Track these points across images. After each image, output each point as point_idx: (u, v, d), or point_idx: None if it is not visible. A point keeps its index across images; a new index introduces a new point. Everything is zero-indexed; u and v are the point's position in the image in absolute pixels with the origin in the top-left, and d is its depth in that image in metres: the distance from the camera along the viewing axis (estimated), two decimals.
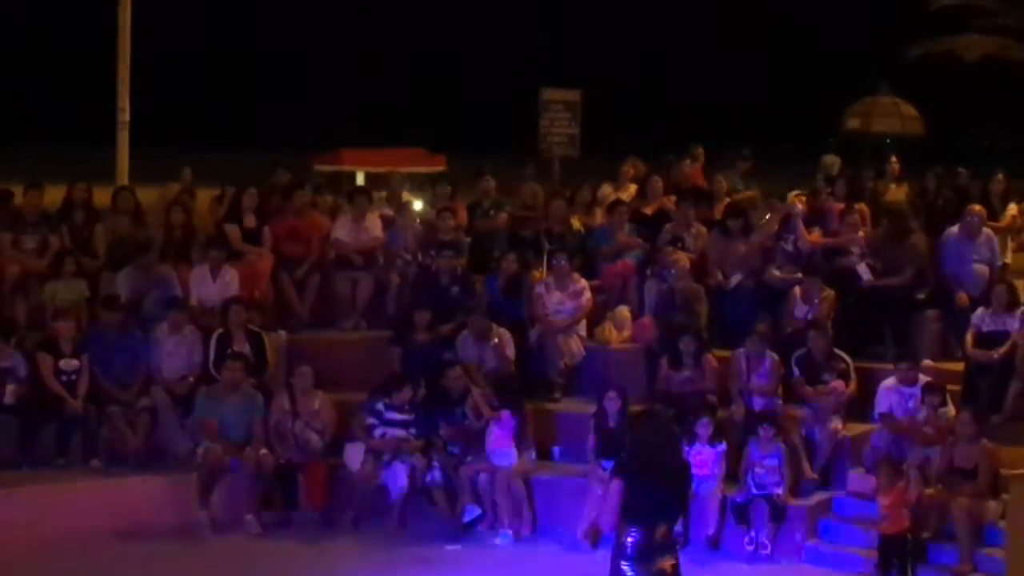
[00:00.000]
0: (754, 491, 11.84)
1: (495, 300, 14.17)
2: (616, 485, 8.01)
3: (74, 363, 12.78)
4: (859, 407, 12.78)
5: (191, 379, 13.15)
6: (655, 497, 8.03)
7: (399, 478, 12.42)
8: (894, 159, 18.46)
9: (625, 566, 8.09)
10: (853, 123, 24.16)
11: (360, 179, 22.33)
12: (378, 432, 12.56)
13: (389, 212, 15.95)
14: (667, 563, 8.14)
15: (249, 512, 12.25)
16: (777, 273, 14.31)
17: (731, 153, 17.57)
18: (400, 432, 12.56)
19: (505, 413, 12.50)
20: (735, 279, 14.36)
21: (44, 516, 11.75)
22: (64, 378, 12.71)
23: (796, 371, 12.86)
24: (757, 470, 11.89)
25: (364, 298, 14.91)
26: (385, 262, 15.13)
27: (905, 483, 11.21)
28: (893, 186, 16.93)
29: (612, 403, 12.42)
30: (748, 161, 17.41)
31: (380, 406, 12.63)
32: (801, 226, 14.72)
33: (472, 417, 12.70)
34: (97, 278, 14.18)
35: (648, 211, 15.78)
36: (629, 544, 8.02)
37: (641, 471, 8.00)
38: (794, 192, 16.04)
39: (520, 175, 17.17)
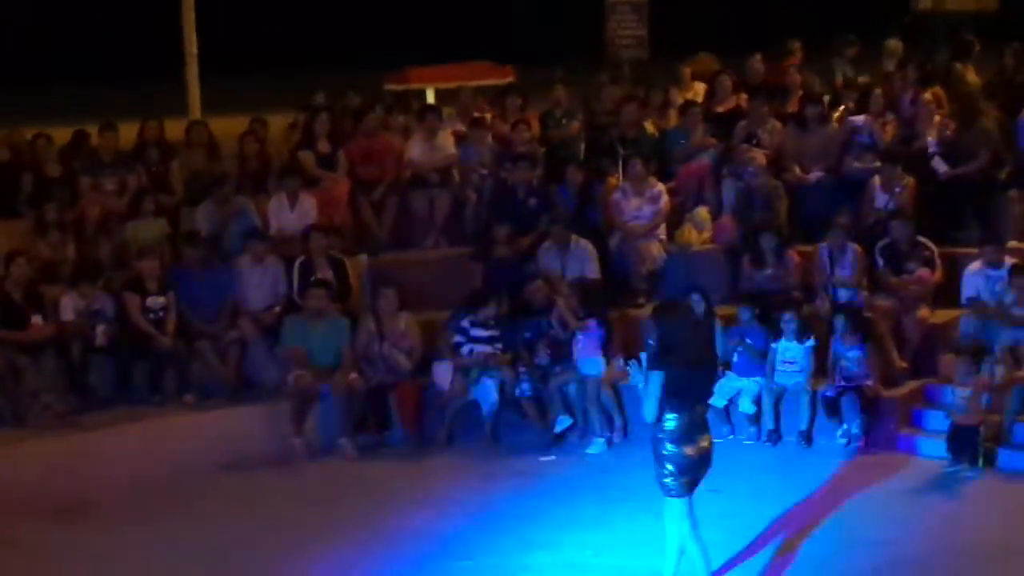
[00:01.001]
0: (843, 384, 11.78)
1: (570, 209, 14.15)
2: (655, 376, 8.18)
3: (160, 301, 12.91)
4: (946, 293, 12.65)
5: (277, 309, 13.26)
6: (689, 381, 8.23)
7: (489, 393, 12.48)
8: (969, 38, 18.03)
9: (669, 447, 8.26)
10: (925, 3, 23.69)
11: (430, 97, 22.30)
12: (465, 349, 12.61)
13: (461, 128, 15.92)
14: (706, 441, 8.36)
15: (343, 436, 12.38)
16: (856, 164, 14.15)
17: (837, 40, 17.06)
18: (487, 348, 12.60)
19: (591, 322, 12.50)
20: (813, 173, 14.22)
21: (142, 453, 11.94)
22: (152, 316, 12.86)
23: (880, 262, 12.75)
24: (843, 363, 11.83)
25: (442, 216, 14.94)
26: (460, 178, 15.14)
27: (988, 376, 11.12)
28: (968, 67, 16.60)
29: (697, 305, 12.38)
30: (855, 46, 16.81)
31: (465, 323, 12.67)
32: (875, 115, 14.53)
33: (558, 328, 12.71)
34: (176, 214, 14.31)
35: (721, 109, 15.63)
36: (672, 428, 8.22)
37: (674, 358, 8.19)
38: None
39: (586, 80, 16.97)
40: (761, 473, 11.19)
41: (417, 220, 15.02)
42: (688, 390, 8.25)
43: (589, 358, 12.41)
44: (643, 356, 8.32)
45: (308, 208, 14.12)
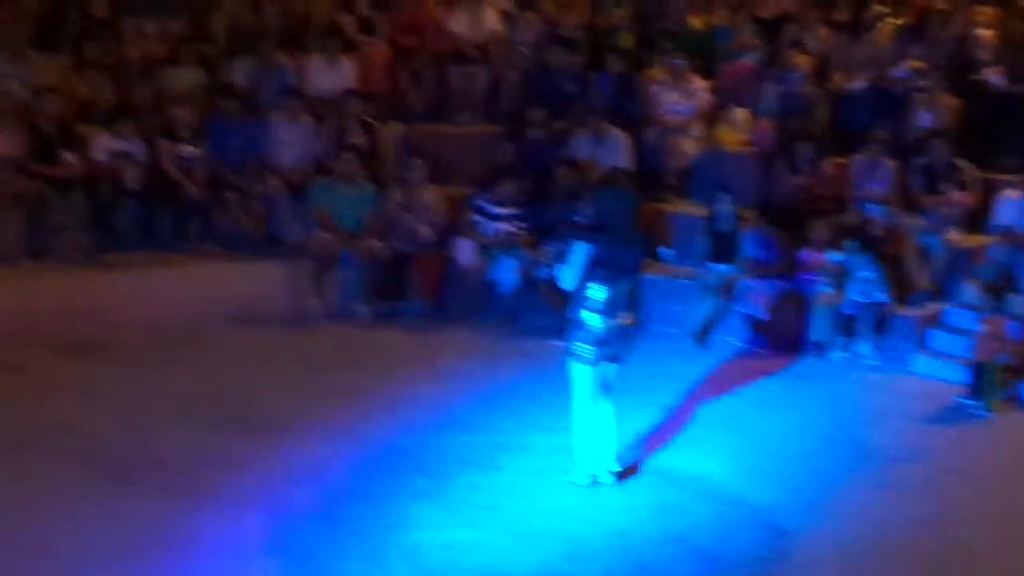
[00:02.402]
0: (859, 300, 11.74)
1: (608, 98, 14.05)
2: (581, 248, 8.52)
3: (192, 149, 12.93)
4: (978, 219, 12.56)
5: (306, 168, 13.26)
6: (618, 257, 8.58)
7: (509, 273, 12.49)
8: None
9: (591, 316, 8.56)
10: None
11: None
12: (483, 227, 12.59)
13: (507, 5, 15.78)
14: (626, 318, 8.71)
15: (360, 301, 12.43)
16: (901, 78, 13.97)
17: None
18: (505, 226, 12.58)
19: None
20: (857, 83, 14.08)
21: (161, 298, 12.03)
22: (182, 164, 12.88)
23: (915, 180, 12.65)
24: (859, 280, 11.77)
25: (479, 92, 14.87)
26: (501, 56, 15.04)
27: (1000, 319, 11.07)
28: None
29: (724, 207, 12.35)
30: None
31: (483, 202, 12.63)
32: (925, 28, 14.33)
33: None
34: (215, 65, 14.27)
35: (768, 13, 15.43)
36: (594, 299, 8.54)
37: (604, 232, 8.56)
38: None
39: None
40: (771, 382, 11.21)
41: (454, 94, 14.94)
42: (616, 265, 8.57)
43: None
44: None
45: (346, 71, 14.08)
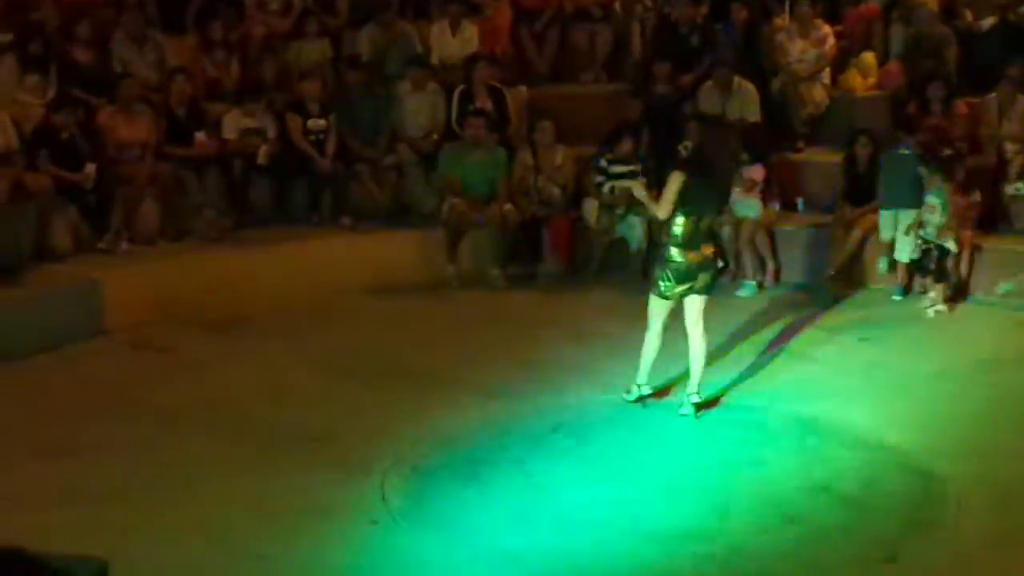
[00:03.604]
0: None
1: (735, 49, 13.92)
2: (677, 178, 8.89)
3: (321, 123, 13.02)
4: None
5: (435, 136, 13.33)
6: (705, 192, 8.97)
7: (635, 230, 12.45)
8: None
9: (673, 251, 8.92)
10: None
11: None
12: (606, 187, 12.51)
13: None
14: (708, 249, 9.01)
15: (495, 266, 12.49)
16: None
17: None
18: (627, 183, 12.49)
19: (755, 165, 12.33)
20: (986, 20, 13.78)
21: (299, 270, 12.16)
22: (312, 137, 12.98)
23: None
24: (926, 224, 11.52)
25: (603, 50, 14.84)
26: (624, 13, 14.96)
27: None
28: None
29: (864, 149, 12.20)
30: None
31: (603, 162, 12.55)
32: None
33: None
34: (340, 37, 14.36)
35: None
36: (678, 232, 8.89)
37: (700, 167, 9.01)
38: None
39: None
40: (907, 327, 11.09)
41: (578, 53, 14.90)
42: (700, 199, 8.89)
43: (746, 200, 12.27)
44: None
45: (470, 36, 14.09)
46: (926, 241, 11.40)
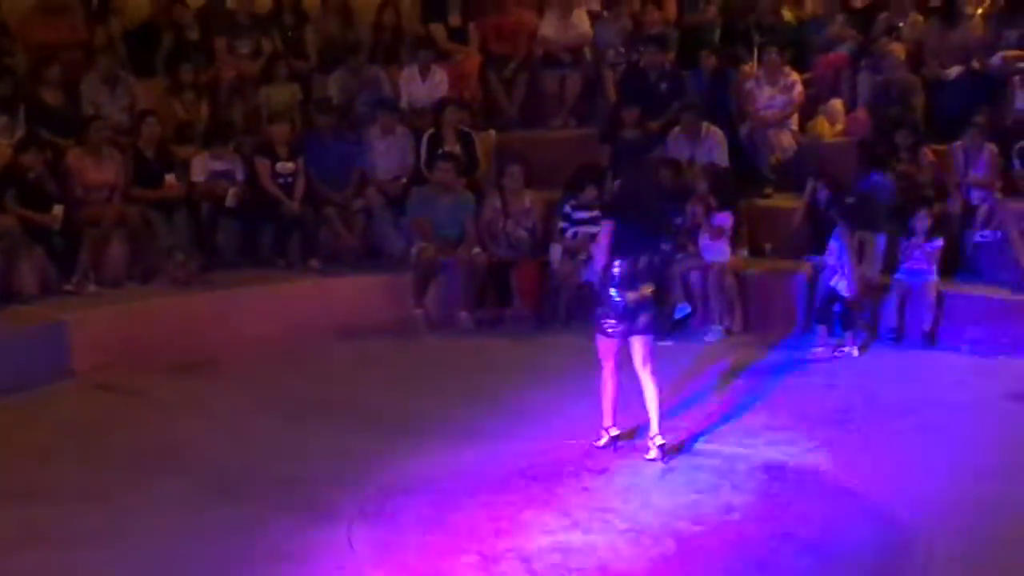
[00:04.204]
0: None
1: (704, 95, 14.00)
2: (607, 225, 9.10)
3: (290, 166, 13.06)
4: None
5: (404, 180, 13.35)
6: (639, 234, 9.06)
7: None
8: None
9: (612, 291, 9.03)
10: None
11: None
12: (570, 232, 12.54)
13: (596, 7, 15.77)
14: (647, 289, 9.09)
15: (463, 309, 12.49)
16: (998, 62, 13.73)
17: None
18: (590, 229, 12.53)
19: (724, 211, 12.36)
20: (953, 69, 13.90)
21: (267, 313, 12.19)
22: (281, 180, 13.01)
23: (1016, 163, 12.49)
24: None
25: (572, 95, 14.91)
26: (593, 58, 15.04)
27: None
28: None
29: (822, 192, 12.28)
30: None
31: (567, 208, 12.60)
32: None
33: (690, 214, 12.59)
34: (309, 81, 14.40)
35: (859, 2, 15.31)
36: (616, 273, 8.99)
37: (627, 210, 9.15)
38: None
39: None
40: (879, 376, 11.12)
41: (547, 98, 14.98)
42: (635, 240, 9.01)
43: (715, 245, 12.31)
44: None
45: (439, 81, 14.16)
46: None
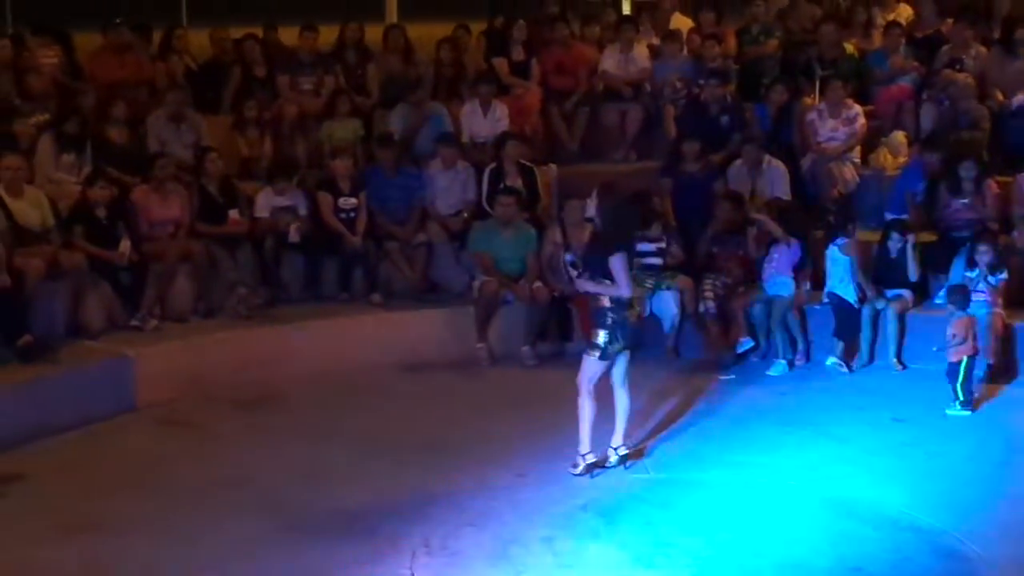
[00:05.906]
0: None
1: (765, 128, 13.97)
2: (620, 259, 9.28)
3: (352, 201, 13.12)
4: None
5: (465, 214, 13.39)
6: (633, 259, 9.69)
7: (669, 307, 12.43)
8: None
9: (625, 314, 9.31)
10: None
11: (626, 8, 22.14)
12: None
13: (656, 41, 15.80)
14: (636, 315, 9.52)
15: (525, 344, 12.49)
16: None
17: None
18: (655, 260, 12.50)
19: (793, 242, 12.28)
20: (1017, 99, 13.80)
21: (330, 347, 12.21)
22: (343, 216, 13.06)
23: None
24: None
25: (633, 129, 14.92)
26: (653, 92, 15.06)
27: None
28: None
29: (895, 240, 12.20)
30: None
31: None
32: None
33: (752, 246, 12.54)
34: (371, 116, 14.48)
35: (923, 33, 15.24)
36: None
37: (627, 240, 9.60)
38: None
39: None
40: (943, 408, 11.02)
41: (608, 132, 15.01)
42: (633, 265, 9.64)
43: (779, 278, 12.25)
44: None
45: (501, 115, 14.20)
46: None
